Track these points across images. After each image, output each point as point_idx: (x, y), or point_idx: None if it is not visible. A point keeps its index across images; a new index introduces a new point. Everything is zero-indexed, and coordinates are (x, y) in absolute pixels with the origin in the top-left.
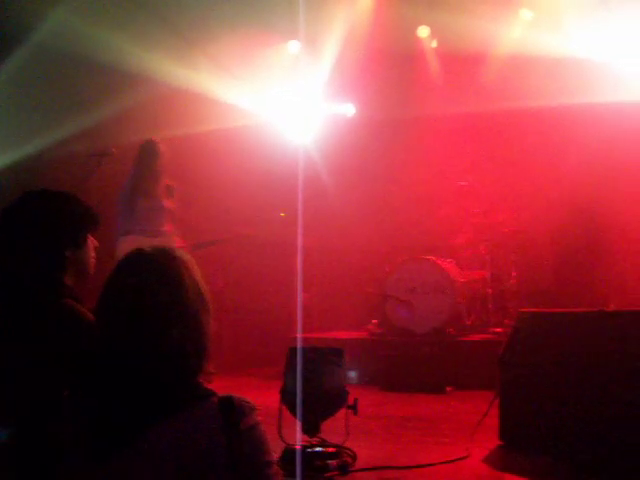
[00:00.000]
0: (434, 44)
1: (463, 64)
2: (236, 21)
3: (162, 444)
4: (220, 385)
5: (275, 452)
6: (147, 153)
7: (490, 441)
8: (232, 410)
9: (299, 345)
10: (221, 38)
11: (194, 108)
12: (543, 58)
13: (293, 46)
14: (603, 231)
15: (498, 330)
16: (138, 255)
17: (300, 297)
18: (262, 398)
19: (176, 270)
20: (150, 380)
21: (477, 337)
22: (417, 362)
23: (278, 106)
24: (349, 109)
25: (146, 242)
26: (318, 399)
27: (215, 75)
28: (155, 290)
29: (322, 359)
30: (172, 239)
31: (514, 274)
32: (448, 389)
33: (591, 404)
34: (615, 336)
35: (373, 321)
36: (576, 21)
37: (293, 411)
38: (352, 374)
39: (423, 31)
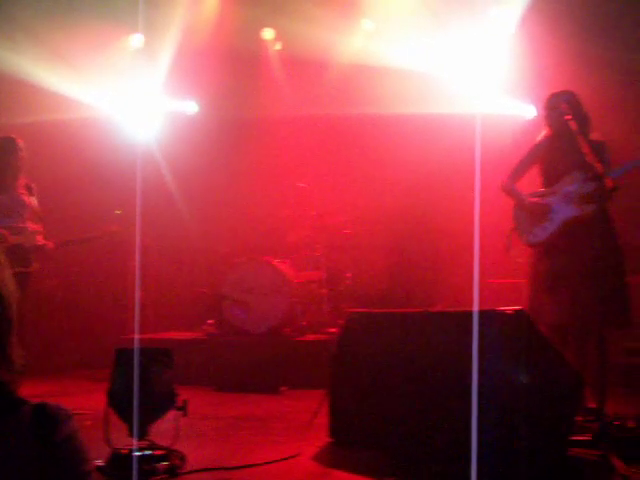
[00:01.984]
0: (278, 47)
1: (306, 68)
2: (78, 12)
3: None
4: (49, 390)
5: (102, 457)
6: (4, 150)
7: (321, 439)
8: (46, 420)
9: (130, 346)
10: (62, 29)
11: (31, 98)
12: (383, 67)
13: (135, 40)
14: (435, 235)
15: (333, 330)
16: None
17: (138, 297)
18: (92, 401)
19: None
20: None
21: (312, 337)
22: (252, 362)
23: (119, 100)
24: (191, 107)
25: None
26: (146, 401)
27: (55, 66)
28: None
29: (150, 360)
30: (34, 236)
31: (349, 275)
32: (282, 389)
33: (414, 401)
34: (437, 335)
35: (209, 321)
36: (412, 34)
37: (120, 414)
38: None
39: (267, 33)
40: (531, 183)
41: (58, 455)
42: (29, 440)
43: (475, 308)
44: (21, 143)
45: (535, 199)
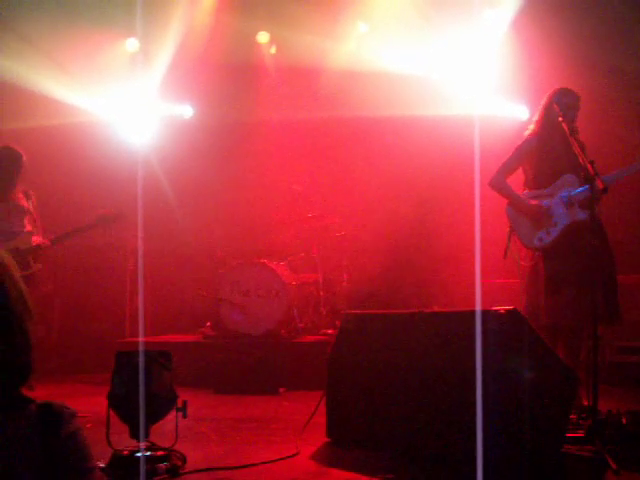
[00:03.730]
0: (273, 50)
1: (302, 71)
2: (73, 17)
3: None
4: (47, 393)
5: (103, 458)
6: (6, 160)
7: (318, 438)
8: (51, 417)
9: (129, 349)
10: (58, 34)
11: (26, 104)
12: (377, 70)
13: (131, 44)
14: (430, 236)
15: (330, 332)
16: None
17: (141, 301)
18: (91, 404)
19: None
20: None
21: (309, 339)
22: (250, 364)
23: (115, 105)
24: (187, 111)
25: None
26: (146, 403)
27: (51, 72)
28: None
29: (150, 362)
30: (29, 239)
31: (346, 277)
32: (281, 390)
33: (410, 401)
34: (431, 335)
35: (207, 324)
36: (406, 37)
37: (121, 416)
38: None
39: (263, 37)
40: (512, 181)
41: (62, 451)
42: (35, 436)
43: (477, 307)
44: (22, 153)
45: (535, 202)
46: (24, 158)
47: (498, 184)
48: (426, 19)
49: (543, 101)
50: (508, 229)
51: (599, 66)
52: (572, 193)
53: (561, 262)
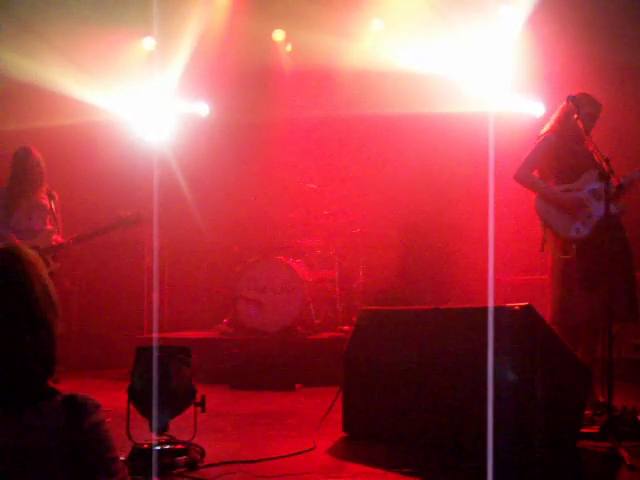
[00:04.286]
0: (289, 48)
1: (318, 69)
2: (90, 16)
3: (5, 442)
4: (67, 387)
5: (123, 451)
6: (20, 159)
7: (335, 433)
8: (75, 408)
9: (148, 345)
10: (75, 33)
11: (43, 103)
12: (393, 68)
13: (147, 43)
14: (446, 233)
15: (346, 328)
16: None
17: (156, 297)
18: (109, 399)
19: (24, 273)
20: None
21: (325, 335)
22: (267, 360)
23: (132, 103)
24: (203, 109)
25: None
26: (166, 397)
27: (67, 70)
28: (5, 297)
29: (170, 357)
30: (50, 237)
31: (361, 274)
32: (297, 386)
33: (425, 396)
34: (446, 331)
35: (224, 320)
36: (421, 35)
37: (141, 410)
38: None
39: (278, 35)
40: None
41: (86, 440)
42: (61, 426)
43: (490, 304)
44: (36, 152)
45: (570, 194)
46: (37, 156)
47: (525, 177)
48: (441, 16)
49: (566, 101)
50: (542, 222)
51: (614, 62)
52: (597, 187)
53: (596, 257)
